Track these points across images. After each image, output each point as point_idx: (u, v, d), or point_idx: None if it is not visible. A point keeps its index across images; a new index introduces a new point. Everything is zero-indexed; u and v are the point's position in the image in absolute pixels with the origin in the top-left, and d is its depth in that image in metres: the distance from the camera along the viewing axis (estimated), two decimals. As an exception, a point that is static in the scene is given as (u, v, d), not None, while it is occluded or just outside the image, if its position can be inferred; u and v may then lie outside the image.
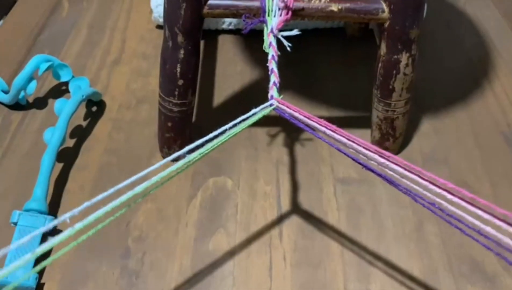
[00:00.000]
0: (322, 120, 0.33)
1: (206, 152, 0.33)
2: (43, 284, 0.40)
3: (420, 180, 0.31)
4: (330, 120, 0.55)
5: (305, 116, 0.33)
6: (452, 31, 0.68)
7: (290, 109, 0.34)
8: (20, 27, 0.67)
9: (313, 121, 0.33)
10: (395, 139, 0.49)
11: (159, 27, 0.67)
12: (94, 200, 0.29)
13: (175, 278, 0.41)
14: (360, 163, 0.34)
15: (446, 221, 0.32)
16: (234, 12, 0.41)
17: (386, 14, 0.41)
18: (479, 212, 0.29)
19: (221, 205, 0.46)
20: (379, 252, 0.43)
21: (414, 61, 0.44)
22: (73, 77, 0.56)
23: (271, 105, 0.35)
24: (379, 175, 0.33)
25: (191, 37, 0.42)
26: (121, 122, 0.54)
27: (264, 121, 0.55)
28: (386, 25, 0.42)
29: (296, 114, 0.34)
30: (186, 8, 0.40)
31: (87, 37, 0.65)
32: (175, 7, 0.40)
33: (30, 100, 0.56)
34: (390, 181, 0.33)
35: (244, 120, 0.34)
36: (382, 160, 0.31)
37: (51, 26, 0.67)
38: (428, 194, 0.31)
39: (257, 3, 0.41)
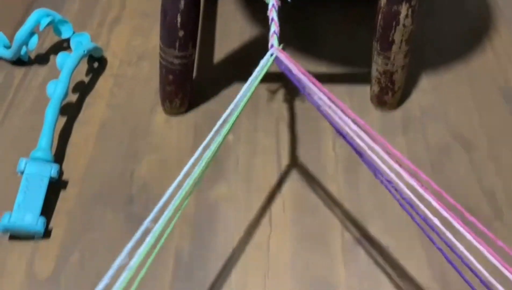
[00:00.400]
0: (315, 79, 0.33)
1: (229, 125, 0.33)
2: (51, 230, 0.41)
3: (385, 156, 0.31)
4: (330, 76, 0.56)
5: (301, 72, 0.33)
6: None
7: (289, 61, 0.34)
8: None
9: (307, 77, 0.33)
10: (394, 92, 0.49)
11: (159, -15, 0.66)
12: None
13: (178, 225, 0.42)
14: (335, 128, 0.34)
15: (399, 204, 0.33)
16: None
17: (386, -36, 0.41)
18: (430, 199, 0.29)
19: (222, 158, 0.47)
20: (375, 202, 0.44)
21: (414, 13, 0.44)
22: (74, 33, 0.56)
23: (271, 55, 0.36)
24: (350, 144, 0.33)
25: (191, -13, 0.42)
26: (123, 78, 0.54)
27: (264, 77, 0.55)
28: (387, -25, 0.42)
29: (292, 67, 0.34)
30: (186, -43, 0.40)
31: (87, -5, 0.65)
32: (175, -43, 0.40)
33: (32, 56, 0.56)
34: (357, 152, 0.33)
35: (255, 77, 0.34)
36: (354, 127, 0.31)
37: (51, -16, 0.67)
38: (388, 172, 0.32)
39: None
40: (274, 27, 0.36)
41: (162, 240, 0.32)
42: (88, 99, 0.52)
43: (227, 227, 0.42)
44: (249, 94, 0.35)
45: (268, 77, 0.54)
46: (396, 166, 0.31)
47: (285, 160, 0.47)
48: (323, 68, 0.56)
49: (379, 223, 0.42)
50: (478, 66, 0.57)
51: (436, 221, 0.30)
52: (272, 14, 0.37)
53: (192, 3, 0.43)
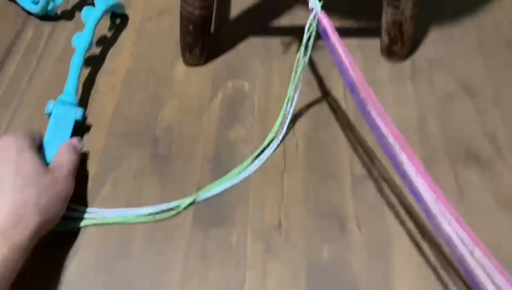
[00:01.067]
0: (350, 55, 0.35)
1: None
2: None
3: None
4: (341, 30, 0.58)
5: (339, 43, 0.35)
6: None
7: (330, 28, 0.36)
8: None
9: (344, 53, 0.35)
10: (403, 43, 0.52)
11: None
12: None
13: (200, 162, 0.45)
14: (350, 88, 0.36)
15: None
16: None
17: None
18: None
19: (239, 104, 0.50)
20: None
21: (423, -38, 0.46)
22: (97, -11, 0.59)
23: (314, 17, 0.37)
24: (359, 107, 0.36)
25: None
26: (144, 33, 0.57)
27: (277, 31, 0.58)
28: None
29: (332, 36, 0.35)
30: None
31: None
32: None
33: (59, 12, 0.59)
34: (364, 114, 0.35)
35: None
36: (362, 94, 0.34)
37: None
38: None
39: None
40: None
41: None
42: (112, 50, 0.55)
43: (244, 163, 0.45)
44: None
45: (281, 31, 0.57)
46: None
47: (298, 105, 0.50)
48: (334, 21, 0.58)
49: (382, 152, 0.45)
50: (485, 19, 0.59)
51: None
52: None
53: (211, -46, 0.45)
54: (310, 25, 0.37)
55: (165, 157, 0.46)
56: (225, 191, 0.43)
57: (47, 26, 0.58)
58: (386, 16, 0.50)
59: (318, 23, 0.37)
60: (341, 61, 0.36)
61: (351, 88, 0.37)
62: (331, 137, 0.47)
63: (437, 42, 0.56)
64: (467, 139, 0.47)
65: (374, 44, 0.55)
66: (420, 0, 0.49)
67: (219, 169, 0.45)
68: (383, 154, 0.46)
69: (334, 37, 0.36)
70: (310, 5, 0.37)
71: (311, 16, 0.37)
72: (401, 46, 0.52)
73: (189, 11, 0.49)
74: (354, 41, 0.56)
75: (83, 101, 0.50)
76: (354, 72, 0.36)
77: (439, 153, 0.46)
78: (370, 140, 0.47)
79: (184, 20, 0.50)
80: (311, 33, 0.38)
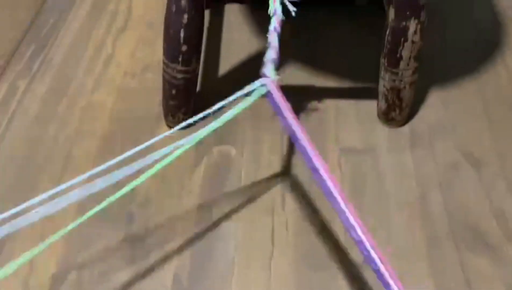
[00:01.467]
0: (302, 127, 0.31)
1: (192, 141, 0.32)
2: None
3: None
4: (337, 90, 0.55)
5: (292, 116, 0.31)
6: (464, 2, 0.66)
7: (281, 100, 0.31)
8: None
9: (297, 125, 0.31)
10: (401, 110, 0.48)
11: (165, -5, 0.66)
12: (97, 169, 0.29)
13: (178, 244, 0.41)
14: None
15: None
16: (239, -24, 0.40)
17: (395, -21, 0.40)
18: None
19: (224, 173, 0.46)
20: (381, 219, 0.43)
21: (423, 29, 0.43)
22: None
23: (262, 86, 0.33)
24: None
25: (195, 1, 0.41)
26: (126, 90, 0.54)
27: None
28: (395, -10, 0.41)
29: (282, 108, 0.31)
30: (190, -29, 0.39)
31: (93, 4, 0.65)
32: (178, -30, 0.39)
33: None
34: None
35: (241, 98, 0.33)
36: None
37: (57, -6, 0.67)
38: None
39: (262, -33, 0.40)
40: (272, 54, 0.33)
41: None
42: (91, 110, 0.52)
43: (228, 246, 0.41)
44: (225, 120, 0.33)
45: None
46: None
47: (289, 176, 0.46)
48: (329, 82, 0.55)
49: (382, 233, 0.41)
50: (488, 80, 0.56)
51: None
52: (272, 38, 0.34)
53: (196, 17, 0.42)
54: (253, 90, 0.33)
55: (139, 238, 0.42)
56: (205, 277, 0.39)
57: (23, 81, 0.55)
58: (384, 82, 0.47)
59: (270, 96, 0.32)
60: (295, 137, 0.32)
61: (308, 163, 0.32)
62: (325, 216, 0.43)
63: (437, 106, 0.53)
64: (473, 217, 0.43)
65: (370, 106, 0.52)
66: (420, 64, 0.46)
67: (200, 256, 0.40)
68: (381, 235, 0.42)
69: (286, 112, 0.32)
70: (263, 70, 0.32)
71: (257, 83, 0.32)
72: (399, 112, 0.48)
73: (172, 75, 0.45)
74: (349, 103, 0.53)
75: (55, 165, 0.46)
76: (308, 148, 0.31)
77: (443, 234, 0.42)
78: (367, 217, 0.42)
79: (167, 83, 0.46)
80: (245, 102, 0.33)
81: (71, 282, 0.38)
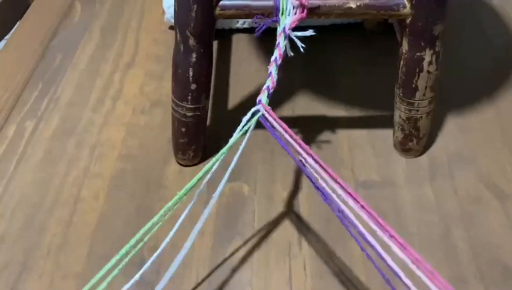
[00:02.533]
0: (301, 141, 0.31)
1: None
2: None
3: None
4: (350, 120, 0.54)
5: (286, 131, 0.31)
6: (478, 27, 0.65)
7: (275, 120, 0.32)
8: (34, 32, 0.67)
9: (293, 139, 0.31)
10: (418, 139, 0.47)
11: (172, 28, 0.66)
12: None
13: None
14: (318, 190, 0.31)
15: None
16: (247, 12, 0.39)
17: (407, 10, 0.39)
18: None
19: (237, 212, 0.45)
20: (404, 260, 0.41)
21: (438, 58, 0.41)
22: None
23: (257, 111, 0.34)
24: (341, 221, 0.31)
25: (203, 40, 0.40)
26: (135, 127, 0.53)
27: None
28: (408, 21, 0.40)
29: (278, 127, 0.32)
30: (197, 10, 0.39)
31: (100, 40, 0.65)
32: (186, 10, 0.39)
33: None
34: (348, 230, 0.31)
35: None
36: (341, 192, 0.29)
37: (64, 30, 0.67)
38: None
39: (270, 3, 0.39)
40: (269, 82, 0.34)
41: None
42: (100, 148, 0.51)
43: (244, 292, 0.39)
44: (225, 152, 0.33)
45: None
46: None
47: (305, 215, 0.44)
48: (341, 111, 0.54)
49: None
50: (505, 106, 0.54)
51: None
52: (272, 68, 0.35)
53: (204, 55, 0.41)
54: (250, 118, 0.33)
55: (151, 284, 0.40)
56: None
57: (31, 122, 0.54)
58: (399, 112, 0.45)
59: (264, 119, 0.33)
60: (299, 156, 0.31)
61: (315, 186, 0.32)
62: (344, 255, 0.41)
63: (455, 133, 0.51)
64: (501, 254, 0.41)
65: (386, 136, 0.50)
66: (436, 93, 0.45)
67: (214, 299, 0.39)
68: (408, 278, 0.40)
69: (281, 126, 0.32)
70: (259, 96, 0.33)
71: (251, 111, 0.32)
72: (417, 142, 0.47)
73: (181, 113, 0.44)
74: (363, 132, 0.52)
75: (64, 208, 0.45)
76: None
77: (470, 273, 0.40)
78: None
79: (176, 122, 0.45)
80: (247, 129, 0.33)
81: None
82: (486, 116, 0.53)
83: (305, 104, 0.54)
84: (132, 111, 0.55)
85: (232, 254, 0.42)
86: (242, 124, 0.32)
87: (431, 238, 0.42)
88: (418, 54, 0.41)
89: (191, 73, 0.41)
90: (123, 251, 0.31)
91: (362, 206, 0.29)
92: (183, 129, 0.45)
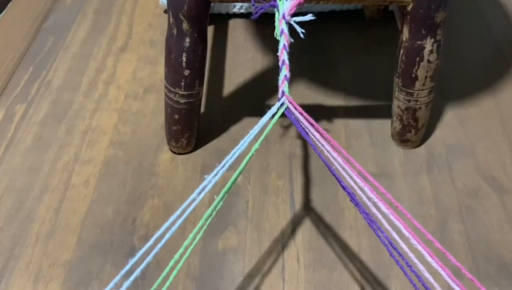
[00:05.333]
0: (328, 135, 0.30)
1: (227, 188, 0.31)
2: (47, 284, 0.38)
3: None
4: (347, 109, 0.53)
5: (312, 124, 0.30)
6: (481, 17, 0.64)
7: (301, 113, 0.31)
8: (25, 13, 0.65)
9: (320, 132, 0.30)
10: (417, 130, 0.46)
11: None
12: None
13: (182, 280, 0.39)
14: (346, 191, 0.31)
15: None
16: (243, -5, 0.38)
17: (409, -4, 0.38)
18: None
19: (231, 202, 0.44)
20: (403, 255, 0.40)
21: (439, 47, 0.40)
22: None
23: (282, 104, 0.32)
24: (361, 211, 0.30)
25: (197, 23, 0.39)
26: (128, 113, 0.52)
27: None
28: (409, 8, 0.38)
29: (303, 120, 0.31)
30: (191, -8, 0.37)
31: (93, 23, 0.63)
32: (179, -9, 0.37)
33: (34, 90, 0.54)
34: (369, 220, 0.30)
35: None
36: (370, 194, 0.28)
37: (56, 12, 0.65)
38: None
39: (268, -14, 0.37)
40: (285, 71, 0.33)
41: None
42: (91, 135, 0.50)
43: (235, 282, 0.38)
44: (256, 146, 0.31)
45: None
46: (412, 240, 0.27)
47: (299, 205, 0.43)
48: (339, 100, 0.53)
49: (402, 275, 0.38)
50: (506, 97, 0.53)
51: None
52: (283, 55, 0.33)
53: (198, 40, 0.40)
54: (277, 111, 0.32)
55: (141, 273, 0.39)
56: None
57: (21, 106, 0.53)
58: (398, 102, 0.44)
59: (289, 112, 0.32)
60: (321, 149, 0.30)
61: (338, 180, 0.31)
62: (338, 247, 0.40)
63: (455, 125, 0.50)
64: (497, 249, 0.40)
65: (383, 126, 0.50)
66: (436, 83, 0.44)
67: (204, 288, 0.38)
68: (403, 271, 0.39)
69: (306, 121, 0.31)
70: (280, 89, 0.32)
71: (278, 104, 0.31)
72: (415, 133, 0.46)
73: (174, 100, 0.43)
74: (360, 122, 0.51)
75: (53, 194, 0.44)
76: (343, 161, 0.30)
77: (465, 267, 0.39)
78: (382, 253, 0.40)
79: (169, 108, 0.44)
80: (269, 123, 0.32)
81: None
82: (485, 108, 0.52)
83: (302, 93, 0.53)
84: (124, 96, 0.54)
85: (225, 244, 0.41)
86: (267, 116, 0.31)
87: (427, 231, 0.41)
88: (419, 42, 0.40)
89: (184, 58, 0.40)
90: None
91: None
92: (176, 116, 0.44)
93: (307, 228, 0.42)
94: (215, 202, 0.31)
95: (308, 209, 0.43)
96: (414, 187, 0.45)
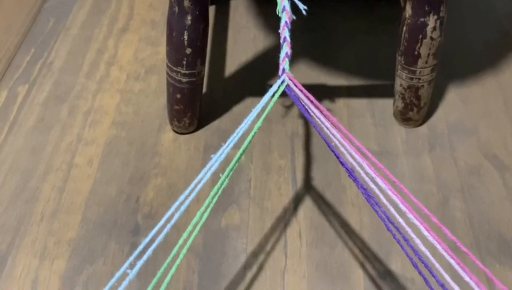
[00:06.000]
0: (328, 113, 0.30)
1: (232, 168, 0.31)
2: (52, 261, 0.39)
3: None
4: (350, 89, 0.52)
5: (312, 102, 0.30)
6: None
7: (301, 90, 0.31)
8: (25, -5, 0.65)
9: (320, 110, 0.30)
10: (419, 109, 0.46)
11: (168, -8, 0.64)
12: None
13: (186, 256, 0.39)
14: (345, 168, 0.31)
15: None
16: (244, -28, 0.37)
17: (412, -29, 0.38)
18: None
19: (233, 180, 0.44)
20: (400, 229, 0.40)
21: (442, 24, 0.40)
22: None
23: (282, 82, 0.32)
24: (361, 189, 0.30)
25: (198, 1, 0.38)
26: (130, 94, 0.52)
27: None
28: (412, -17, 0.38)
29: (303, 98, 0.31)
30: (192, -31, 0.37)
31: (94, 4, 0.63)
32: (180, -32, 0.37)
33: (36, 71, 0.54)
34: (368, 196, 0.30)
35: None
36: (369, 170, 0.28)
37: (57, -6, 0.65)
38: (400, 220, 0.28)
39: (269, -38, 0.37)
40: (286, 48, 0.33)
41: (169, 276, 0.29)
42: (93, 115, 0.50)
43: (238, 258, 0.39)
44: (258, 124, 0.31)
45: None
46: (409, 215, 0.27)
47: (301, 183, 0.44)
48: (341, 80, 0.53)
49: (403, 255, 0.39)
50: (508, 76, 0.53)
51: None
52: (285, 33, 0.33)
53: (200, 18, 0.40)
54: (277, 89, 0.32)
55: (145, 251, 0.40)
56: (218, 288, 0.37)
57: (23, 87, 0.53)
58: (400, 80, 0.44)
59: (289, 89, 0.31)
60: (321, 126, 0.30)
61: (339, 158, 0.31)
62: (340, 224, 0.41)
63: (457, 104, 0.50)
64: (497, 226, 0.40)
65: (385, 105, 0.49)
66: (438, 60, 0.44)
67: (208, 265, 0.38)
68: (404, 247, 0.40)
69: (306, 98, 0.31)
70: (281, 66, 0.31)
71: (279, 82, 0.31)
72: (417, 112, 0.46)
73: (176, 79, 0.43)
74: (362, 102, 0.51)
75: (57, 174, 0.44)
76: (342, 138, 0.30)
77: (466, 243, 0.39)
78: (384, 230, 0.40)
79: (171, 87, 0.44)
80: (270, 100, 0.32)
81: (75, 301, 0.37)
82: (488, 87, 0.51)
83: (304, 72, 0.53)
84: (126, 77, 0.54)
85: (228, 221, 0.41)
86: (268, 94, 0.31)
87: (428, 208, 0.41)
88: (422, 19, 0.39)
89: (186, 37, 0.40)
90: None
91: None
92: (178, 96, 0.44)
93: (309, 206, 0.42)
94: (221, 180, 0.32)
95: (310, 187, 0.43)
96: (416, 165, 0.45)
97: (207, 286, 0.37)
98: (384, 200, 0.29)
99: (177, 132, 0.48)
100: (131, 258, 0.29)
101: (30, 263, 0.39)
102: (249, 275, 0.38)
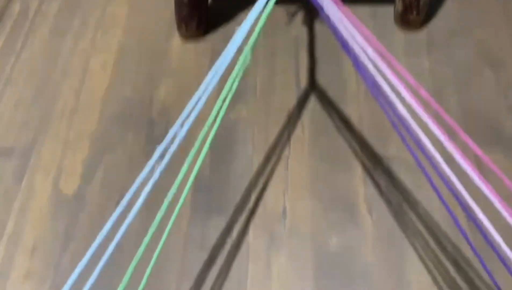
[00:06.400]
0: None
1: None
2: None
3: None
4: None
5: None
6: None
7: None
8: None
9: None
10: (419, 11, 0.47)
11: None
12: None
13: (198, 146, 0.42)
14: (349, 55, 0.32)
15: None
16: None
17: None
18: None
19: (240, 81, 0.46)
20: (396, 119, 0.43)
21: None
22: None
23: None
24: (363, 76, 0.31)
25: None
26: (139, 2, 0.53)
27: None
28: None
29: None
30: None
31: None
32: None
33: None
34: (371, 84, 0.31)
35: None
36: (371, 54, 0.30)
37: None
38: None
39: None
40: None
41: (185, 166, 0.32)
42: (103, 25, 0.52)
43: (246, 148, 0.42)
44: (263, 19, 0.32)
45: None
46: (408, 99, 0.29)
47: (304, 82, 0.46)
48: (344, -12, 0.53)
49: (399, 142, 0.42)
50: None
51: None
52: None
53: None
54: None
55: (161, 141, 0.43)
56: (225, 177, 0.40)
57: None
58: (401, -19, 0.45)
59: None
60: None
61: (356, 64, 0.33)
62: (340, 118, 0.44)
63: (456, 9, 0.51)
64: (488, 114, 0.43)
65: (387, 12, 0.51)
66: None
67: (218, 154, 0.42)
68: (399, 133, 0.43)
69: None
70: None
71: None
72: (416, 14, 0.47)
73: (183, -20, 0.44)
74: (365, 9, 0.52)
75: (73, 77, 0.47)
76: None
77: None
78: (382, 122, 0.43)
79: (179, -10, 0.46)
80: None
81: (98, 181, 0.40)
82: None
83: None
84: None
85: (236, 114, 0.44)
86: None
87: (422, 97, 0.44)
88: None
89: None
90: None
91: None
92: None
93: (311, 102, 0.45)
94: (234, 71, 0.33)
95: (313, 86, 0.46)
96: (414, 65, 0.47)
97: (218, 173, 0.41)
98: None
99: (185, 38, 0.50)
100: (151, 163, 0.30)
101: (54, 152, 0.42)
102: (256, 161, 0.41)
